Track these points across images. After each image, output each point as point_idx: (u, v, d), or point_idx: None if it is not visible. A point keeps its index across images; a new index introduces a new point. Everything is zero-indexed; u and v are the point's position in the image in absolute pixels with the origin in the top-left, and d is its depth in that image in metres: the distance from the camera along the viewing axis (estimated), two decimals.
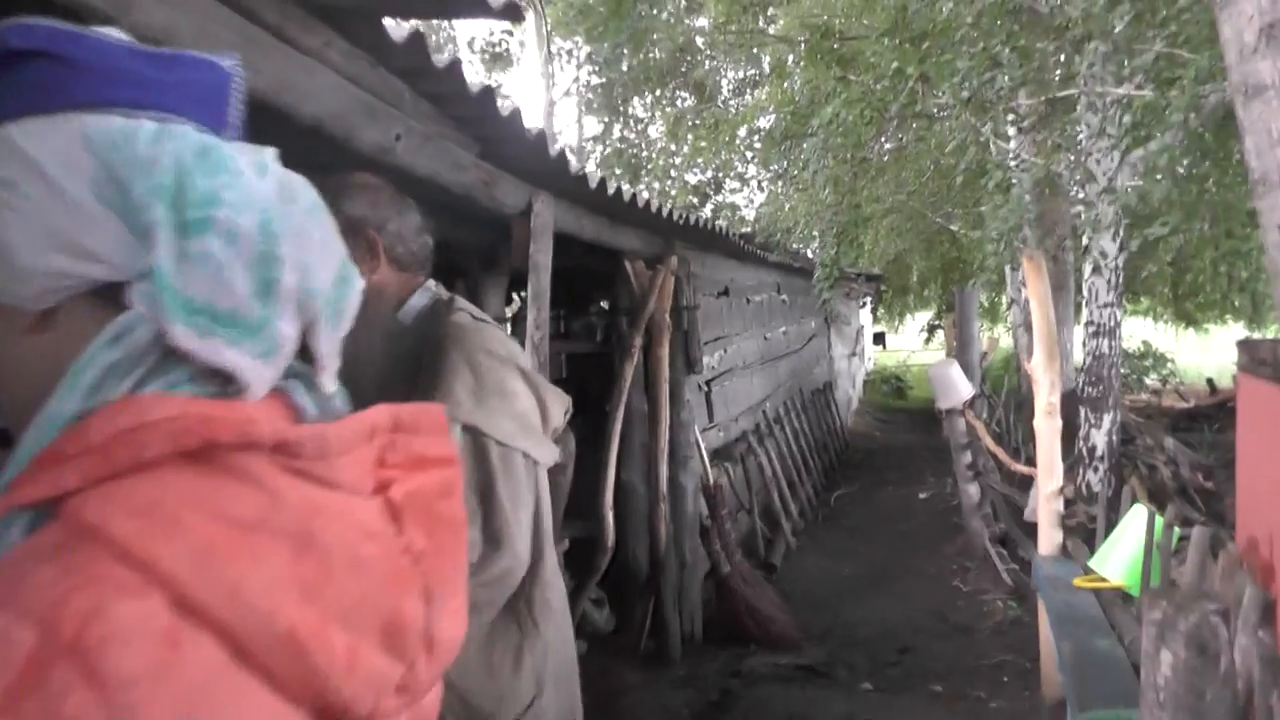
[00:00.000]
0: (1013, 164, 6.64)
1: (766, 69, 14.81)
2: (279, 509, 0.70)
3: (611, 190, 4.17)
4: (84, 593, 0.61)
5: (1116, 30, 5.33)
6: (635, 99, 17.56)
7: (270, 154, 0.83)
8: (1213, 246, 5.94)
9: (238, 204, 0.75)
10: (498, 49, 19.68)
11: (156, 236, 0.73)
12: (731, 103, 16.54)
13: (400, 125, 2.45)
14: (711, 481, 6.59)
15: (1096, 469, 7.39)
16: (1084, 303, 7.96)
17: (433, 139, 2.69)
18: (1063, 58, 6.54)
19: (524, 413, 2.00)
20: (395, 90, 2.42)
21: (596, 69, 16.96)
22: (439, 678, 0.84)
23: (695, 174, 17.31)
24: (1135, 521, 3.90)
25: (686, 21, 15.13)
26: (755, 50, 14.63)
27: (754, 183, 17.61)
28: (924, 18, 6.47)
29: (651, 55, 15.52)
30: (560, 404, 2.17)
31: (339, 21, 2.05)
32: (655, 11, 14.04)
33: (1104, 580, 3.95)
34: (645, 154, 17.73)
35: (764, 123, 13.95)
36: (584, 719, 2.30)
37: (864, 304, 21.24)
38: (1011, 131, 7.99)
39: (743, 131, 14.66)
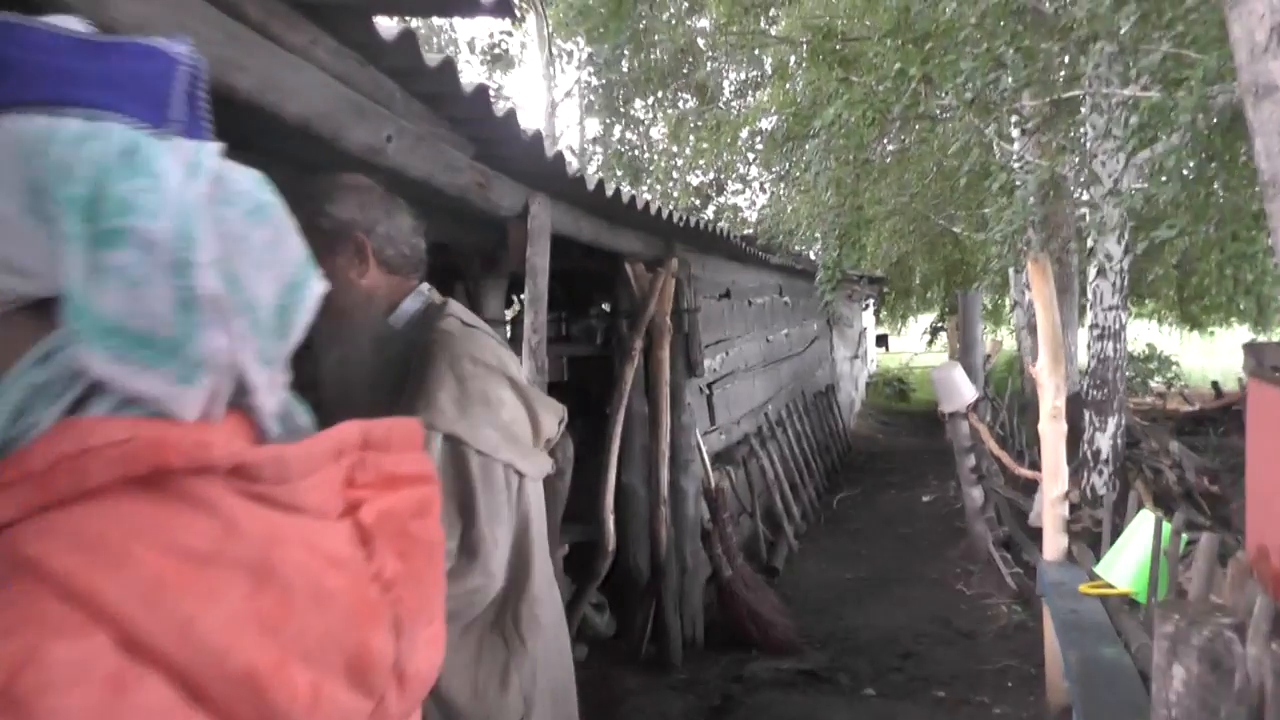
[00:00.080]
0: (1017, 166, 6.59)
1: (769, 70, 14.76)
2: (236, 538, 0.65)
3: (610, 192, 4.12)
4: (19, 635, 0.56)
5: (1122, 31, 5.28)
6: (637, 100, 17.51)
7: (210, 150, 0.76)
8: (1218, 249, 5.88)
9: (154, 210, 0.68)
10: (498, 50, 19.64)
11: (67, 251, 0.66)
12: (733, 104, 16.49)
13: (391, 126, 2.39)
14: (713, 485, 6.55)
15: (1101, 472, 7.35)
16: (1088, 305, 7.91)
17: (426, 140, 2.64)
18: (1067, 59, 6.48)
19: (509, 423, 1.95)
20: (386, 90, 2.37)
21: (596, 70, 16.92)
22: (414, 710, 0.79)
23: (697, 176, 17.27)
24: (1142, 527, 3.85)
25: (688, 23, 15.09)
26: (757, 52, 14.60)
27: (756, 184, 17.59)
28: (927, 18, 6.42)
29: (653, 56, 15.49)
30: (553, 414, 2.11)
31: (326, 19, 2.00)
32: (656, 13, 14.01)
33: (1110, 587, 3.90)
34: (647, 155, 17.69)
35: (766, 124, 13.91)
36: None
37: (867, 306, 21.21)
38: (1016, 133, 7.94)
39: (745, 133, 14.62)
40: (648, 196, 4.99)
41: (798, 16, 11.70)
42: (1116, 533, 4.24)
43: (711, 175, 17.07)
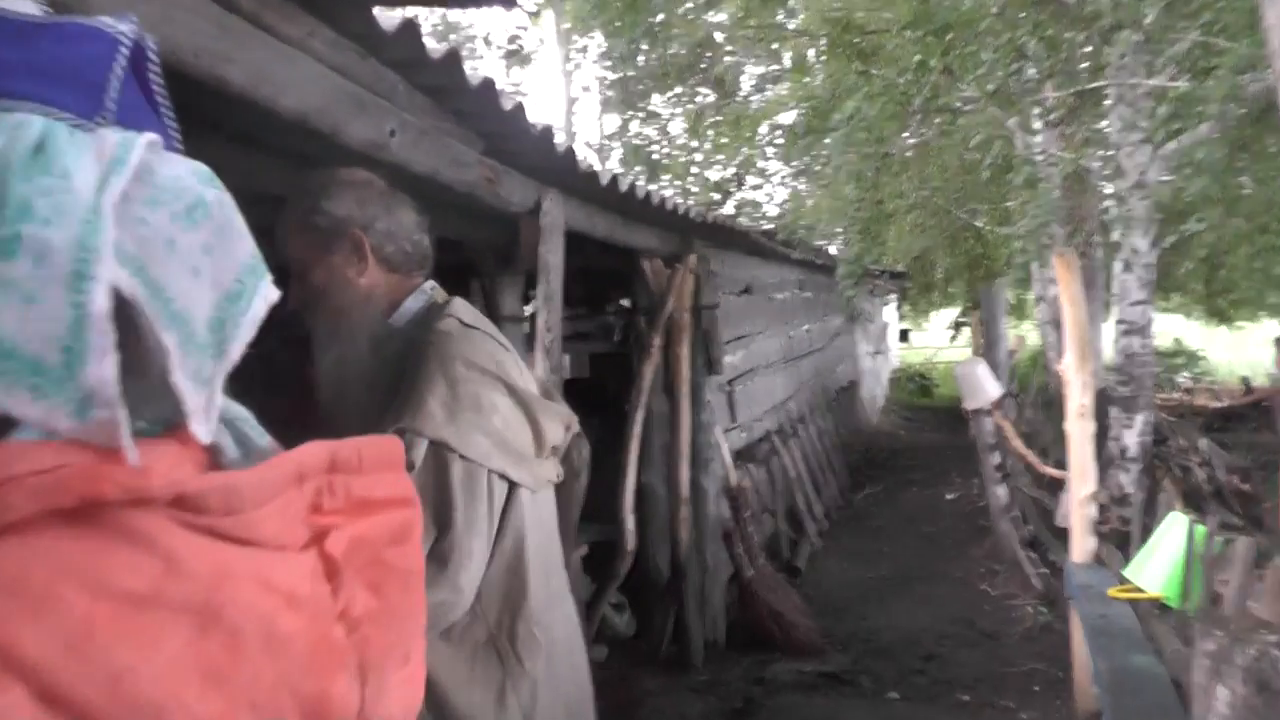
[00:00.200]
0: (1040, 159, 6.48)
1: (787, 63, 14.65)
2: (178, 577, 0.57)
3: (624, 187, 4.05)
4: None
5: (1148, 19, 5.17)
6: (654, 95, 17.42)
7: (140, 143, 0.68)
8: (1248, 241, 5.77)
9: (51, 215, 0.60)
10: (514, 45, 19.61)
11: None
12: (753, 99, 16.38)
13: (394, 119, 2.32)
14: (734, 483, 6.49)
15: (1128, 470, 7.22)
16: (1114, 300, 7.79)
17: (430, 134, 2.56)
18: (1091, 49, 6.37)
19: (502, 430, 1.85)
20: (388, 83, 2.29)
21: (613, 64, 16.84)
22: None
23: (717, 171, 17.17)
24: (1172, 529, 3.75)
25: (705, 16, 14.98)
26: (775, 46, 14.49)
27: (776, 179, 17.47)
28: (947, 9, 6.32)
29: (670, 51, 15.40)
30: (559, 421, 2.03)
31: (324, 10, 1.92)
32: (673, 7, 13.92)
33: (1140, 591, 3.80)
34: (665, 150, 17.60)
35: (785, 118, 13.80)
36: None
37: (889, 301, 21.08)
38: (1039, 125, 7.84)
39: (764, 128, 14.52)
40: (668, 192, 4.92)
41: (816, 10, 11.60)
42: (1146, 533, 4.15)
43: (732, 170, 16.97)
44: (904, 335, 27.48)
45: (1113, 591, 4.05)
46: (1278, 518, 5.42)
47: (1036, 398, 11.45)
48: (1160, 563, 3.73)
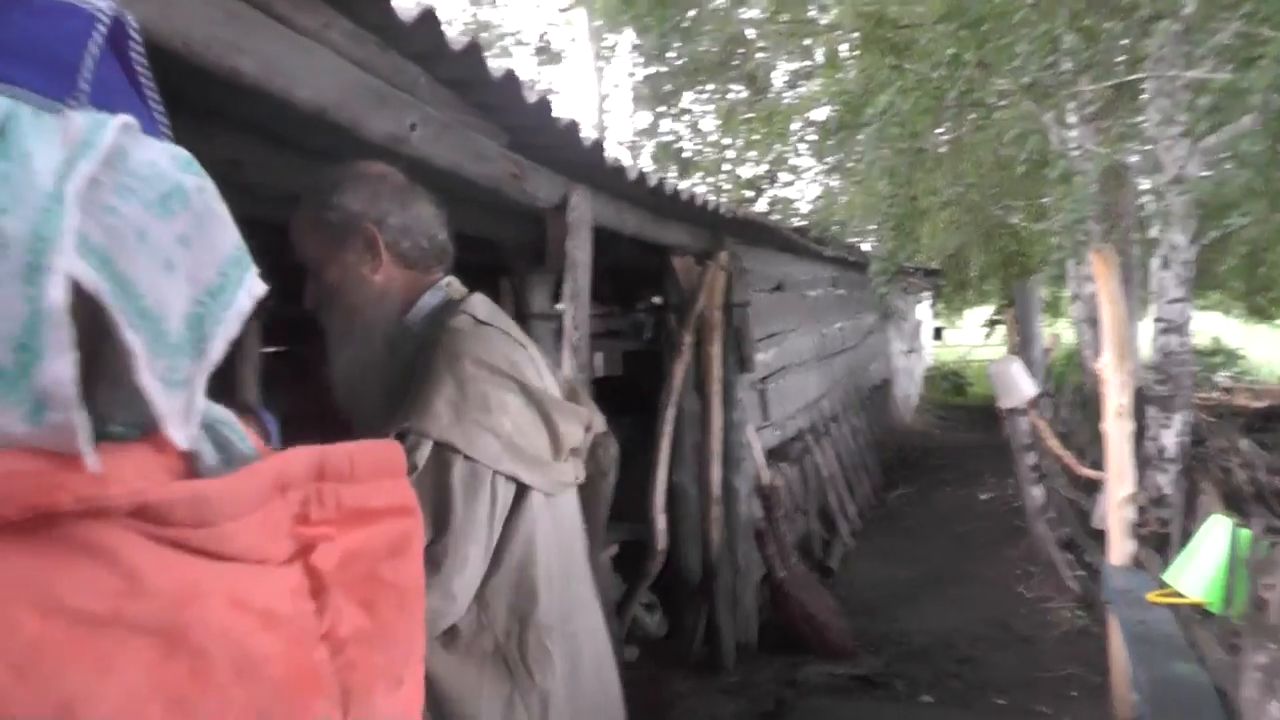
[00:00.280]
0: (1076, 154, 6.38)
1: (820, 59, 14.55)
2: (139, 595, 0.52)
3: (653, 183, 3.99)
4: None
5: (1188, 9, 5.07)
6: (686, 92, 17.37)
7: (113, 125, 0.62)
8: None
9: (7, 203, 0.55)
10: (543, 43, 19.64)
11: None
12: (785, 95, 16.29)
13: (416, 113, 2.27)
14: (766, 482, 6.43)
15: (1166, 471, 7.11)
16: (1151, 298, 7.68)
17: (453, 128, 2.51)
18: (1129, 40, 6.25)
19: (512, 433, 1.77)
20: (410, 75, 2.24)
21: (645, 60, 16.79)
22: None
23: (749, 167, 17.09)
24: (1213, 532, 3.65)
25: (737, 13, 14.91)
26: (807, 42, 14.40)
27: (808, 176, 17.37)
28: (981, 1, 6.23)
29: (701, 48, 15.34)
30: (577, 422, 1.96)
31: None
32: (704, 2, 13.87)
33: (1181, 596, 3.70)
34: (696, 146, 17.54)
35: (818, 114, 13.71)
36: None
37: (922, 299, 20.94)
38: (1074, 119, 7.73)
39: (796, 124, 14.43)
40: (700, 190, 4.87)
41: (848, 4, 11.52)
42: (1186, 535, 4.05)
43: (764, 167, 16.89)
44: (938, 333, 27.29)
45: (1152, 596, 3.96)
46: None
47: (1072, 397, 11.32)
48: (1202, 567, 3.63)
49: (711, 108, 17.26)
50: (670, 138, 17.41)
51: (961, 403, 19.97)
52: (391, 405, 1.75)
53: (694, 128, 17.75)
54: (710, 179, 16.44)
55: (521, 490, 1.81)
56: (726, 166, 16.79)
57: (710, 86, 16.82)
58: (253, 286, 0.67)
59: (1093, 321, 8.66)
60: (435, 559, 1.65)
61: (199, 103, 1.96)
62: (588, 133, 3.17)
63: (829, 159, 14.17)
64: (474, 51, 2.26)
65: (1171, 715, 2.89)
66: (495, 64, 2.40)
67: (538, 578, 1.83)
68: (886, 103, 6.94)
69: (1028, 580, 7.30)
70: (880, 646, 6.08)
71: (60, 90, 0.62)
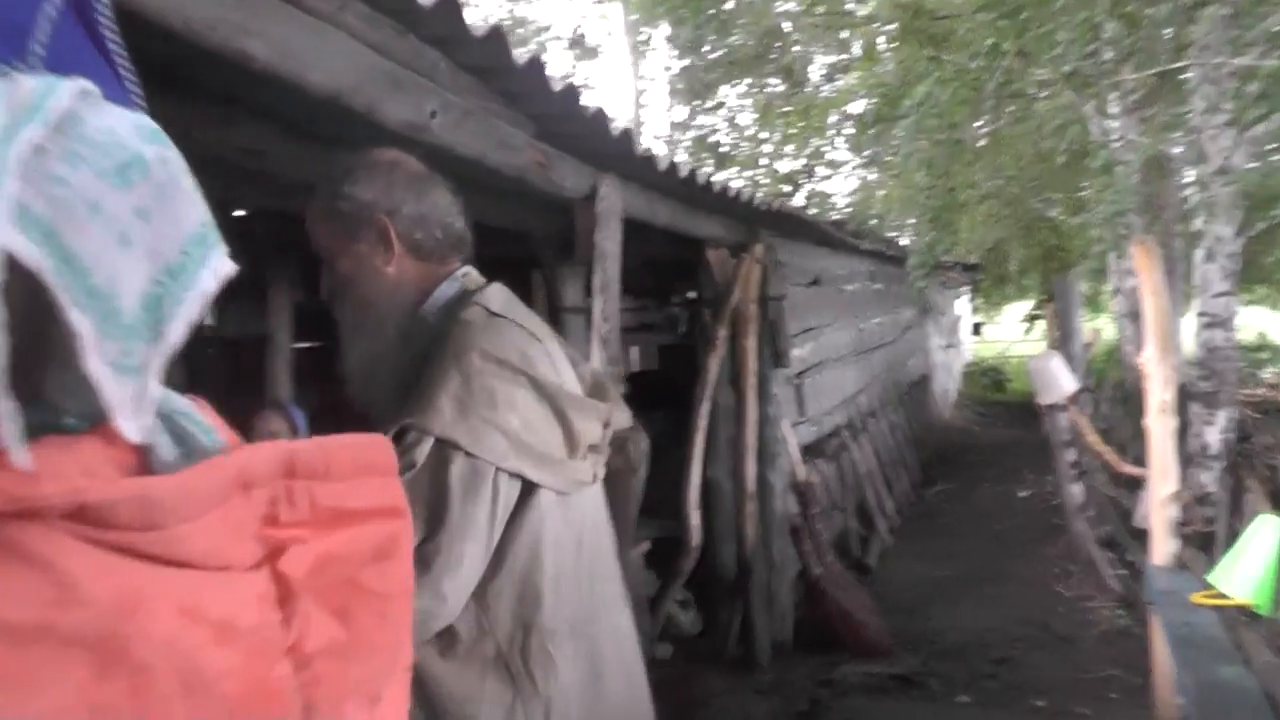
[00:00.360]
0: (1117, 144, 6.26)
1: (857, 52, 14.44)
2: (72, 605, 0.47)
3: (684, 173, 3.93)
4: None
5: None
6: (723, 86, 17.31)
7: (67, 90, 0.56)
8: None
9: None
10: (577, 35, 19.65)
11: None
12: (823, 88, 16.19)
13: (436, 99, 2.22)
14: (802, 478, 6.36)
15: (1210, 468, 6.97)
16: (1195, 292, 7.54)
17: (475, 115, 2.46)
18: (1173, 27, 6.12)
19: (520, 429, 1.71)
20: (429, 61, 2.19)
21: (681, 52, 16.74)
22: None
23: (786, 162, 17.00)
24: (1261, 532, 3.55)
25: (773, 5, 14.83)
26: (845, 34, 14.30)
27: (845, 169, 17.26)
28: None
29: (737, 41, 15.28)
30: (595, 418, 1.89)
31: None
32: None
33: (1227, 597, 3.61)
34: (733, 140, 17.47)
35: (855, 107, 13.61)
36: None
37: (961, 294, 20.76)
38: (1116, 109, 7.60)
39: (834, 117, 14.33)
40: (737, 184, 4.82)
41: None
42: (1232, 535, 3.95)
43: (801, 161, 16.79)
44: (976, 328, 27.07)
45: (1197, 597, 3.86)
46: None
47: (1113, 393, 11.16)
48: (1249, 567, 3.53)
49: (748, 101, 17.19)
50: (707, 131, 17.35)
51: (1000, 399, 19.78)
52: (404, 400, 1.70)
53: (731, 122, 17.70)
54: (747, 173, 16.36)
55: (529, 488, 1.74)
56: (764, 161, 16.71)
57: (747, 80, 16.74)
58: (219, 266, 0.62)
59: (1134, 316, 8.52)
60: (426, 558, 1.58)
61: (216, 90, 1.92)
62: (618, 123, 3.12)
63: (866, 152, 14.07)
64: (497, 37, 2.21)
65: (1218, 718, 2.80)
66: (519, 51, 2.35)
67: (543, 580, 1.77)
68: (924, 94, 6.85)
69: (1067, 579, 7.18)
70: (917, 645, 6.00)
71: (8, 53, 0.57)
